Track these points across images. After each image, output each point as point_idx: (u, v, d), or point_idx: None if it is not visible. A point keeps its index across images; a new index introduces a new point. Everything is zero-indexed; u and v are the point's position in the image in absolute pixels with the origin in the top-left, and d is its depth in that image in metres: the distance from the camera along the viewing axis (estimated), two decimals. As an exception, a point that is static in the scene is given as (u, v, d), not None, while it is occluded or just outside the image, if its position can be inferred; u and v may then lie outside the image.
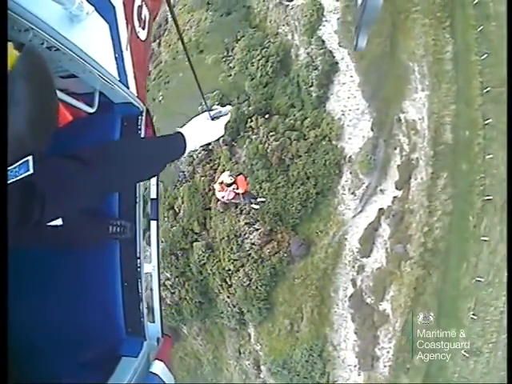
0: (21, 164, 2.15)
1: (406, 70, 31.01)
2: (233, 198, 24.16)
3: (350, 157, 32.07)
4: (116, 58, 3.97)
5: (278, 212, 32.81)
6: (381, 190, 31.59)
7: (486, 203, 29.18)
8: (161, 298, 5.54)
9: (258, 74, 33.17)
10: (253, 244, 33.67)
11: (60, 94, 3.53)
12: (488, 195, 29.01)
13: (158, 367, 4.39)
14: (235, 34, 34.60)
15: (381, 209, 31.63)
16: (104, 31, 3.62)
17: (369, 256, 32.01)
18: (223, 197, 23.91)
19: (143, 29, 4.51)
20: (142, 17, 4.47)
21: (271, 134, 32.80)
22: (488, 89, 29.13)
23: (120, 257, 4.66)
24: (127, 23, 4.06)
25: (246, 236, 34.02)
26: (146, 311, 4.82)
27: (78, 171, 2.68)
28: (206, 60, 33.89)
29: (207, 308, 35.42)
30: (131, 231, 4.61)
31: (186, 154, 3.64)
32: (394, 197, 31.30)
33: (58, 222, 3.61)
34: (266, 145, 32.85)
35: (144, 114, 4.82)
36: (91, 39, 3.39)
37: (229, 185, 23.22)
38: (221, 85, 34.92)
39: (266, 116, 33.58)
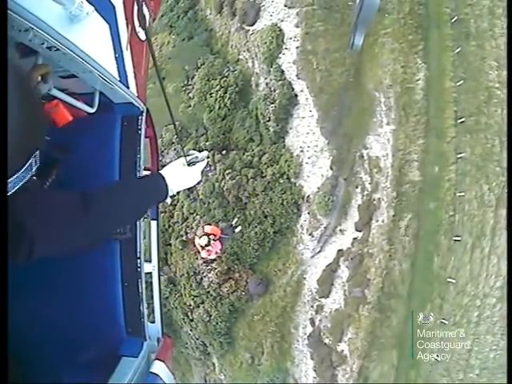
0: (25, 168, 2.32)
1: (372, 102, 30.43)
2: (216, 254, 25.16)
3: (309, 196, 32.11)
4: (116, 58, 4.08)
5: (234, 251, 33.16)
6: (340, 231, 31.63)
7: (453, 243, 29.27)
8: (161, 298, 5.71)
9: (217, 106, 33.18)
10: (211, 282, 34.19)
11: (60, 94, 3.78)
12: (457, 235, 29.09)
13: (158, 367, 4.51)
14: (196, 61, 34.60)
15: (340, 250, 31.72)
16: (104, 31, 3.71)
17: (327, 297, 32.23)
18: (208, 255, 24.82)
19: (143, 29, 4.53)
20: (142, 16, 4.48)
21: (228, 171, 32.93)
22: (463, 119, 28.83)
23: (120, 257, 4.79)
24: (127, 23, 4.20)
25: (205, 274, 34.46)
26: (146, 311, 4.94)
27: (72, 215, 2.79)
28: (167, 88, 33.46)
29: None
30: (131, 231, 4.73)
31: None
32: (354, 238, 31.36)
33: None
34: (223, 183, 32.97)
35: (144, 114, 4.98)
36: (91, 39, 3.48)
37: (206, 244, 23.83)
38: (181, 116, 34.81)
39: (224, 152, 33.80)
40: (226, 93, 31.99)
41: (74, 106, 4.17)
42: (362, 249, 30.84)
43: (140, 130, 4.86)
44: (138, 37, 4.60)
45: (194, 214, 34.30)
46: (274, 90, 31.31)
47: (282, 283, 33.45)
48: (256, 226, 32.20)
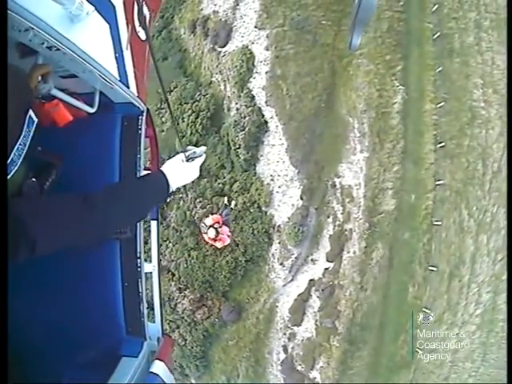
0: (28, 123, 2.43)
1: (345, 128, 29.88)
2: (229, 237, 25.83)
3: (279, 226, 32.08)
4: (116, 57, 4.13)
5: (207, 279, 33.32)
6: (312, 260, 31.63)
7: (429, 273, 29.09)
8: (161, 298, 5.78)
9: (188, 132, 32.92)
10: (185, 309, 34.20)
11: (60, 94, 3.87)
12: (432, 265, 28.92)
13: (158, 367, 4.55)
14: (169, 84, 34.12)
15: (311, 280, 31.74)
16: (104, 31, 3.79)
17: (300, 325, 32.25)
18: (223, 243, 25.95)
19: (143, 28, 4.69)
20: (143, 16, 4.71)
21: (198, 200, 32.96)
22: (442, 143, 28.43)
23: (120, 257, 4.87)
24: (127, 23, 4.30)
25: (179, 300, 34.31)
26: (146, 311, 5.01)
27: (74, 214, 2.83)
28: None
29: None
30: (131, 231, 4.82)
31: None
32: (325, 269, 31.33)
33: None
34: (194, 211, 33.04)
35: (144, 113, 5.05)
36: (91, 39, 3.54)
37: (216, 235, 24.52)
38: (154, 141, 34.37)
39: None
40: (197, 117, 31.75)
41: (74, 106, 4.23)
42: (333, 280, 30.82)
43: (140, 129, 4.92)
44: (138, 37, 4.69)
45: (167, 242, 34.22)
46: (244, 117, 31.01)
47: (254, 310, 33.49)
48: (227, 255, 32.33)
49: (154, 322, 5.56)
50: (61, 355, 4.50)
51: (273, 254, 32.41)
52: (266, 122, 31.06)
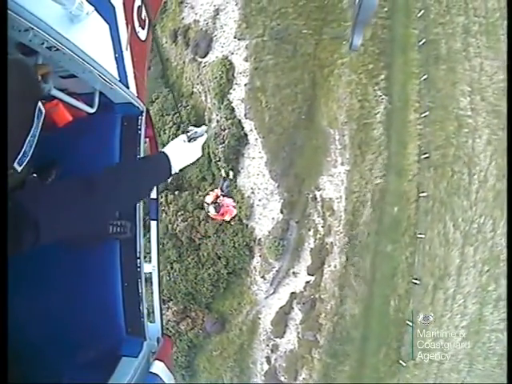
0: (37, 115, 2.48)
1: (326, 140, 29.53)
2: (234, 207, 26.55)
3: (260, 239, 32.19)
4: (116, 58, 4.17)
5: (189, 291, 33.50)
6: (294, 273, 31.71)
7: (413, 285, 28.83)
8: (161, 298, 5.81)
9: (170, 144, 32.68)
10: (168, 320, 34.23)
11: (60, 94, 3.89)
12: (415, 278, 28.65)
13: (158, 367, 4.60)
14: (151, 95, 33.87)
15: (293, 293, 31.83)
16: (104, 31, 3.82)
17: (282, 337, 32.38)
18: (231, 214, 26.39)
19: (143, 29, 4.79)
20: (142, 17, 4.77)
21: (180, 213, 33.07)
22: (427, 155, 27.95)
23: (120, 257, 4.91)
24: (127, 23, 4.33)
25: (163, 312, 34.06)
26: (145, 311, 5.05)
27: (76, 197, 2.83)
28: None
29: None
30: (131, 231, 4.87)
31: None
32: (307, 282, 31.37)
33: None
34: (175, 225, 33.09)
35: (144, 114, 5.09)
36: (91, 39, 3.57)
37: (217, 210, 24.75)
38: (137, 153, 34.25)
39: (176, 192, 33.73)
40: (178, 130, 31.48)
41: (74, 106, 4.27)
42: (314, 293, 30.84)
43: (140, 129, 4.96)
44: (138, 37, 4.75)
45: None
46: (224, 129, 30.92)
47: (237, 322, 33.70)
48: (209, 268, 32.60)
49: (153, 322, 5.63)
50: (61, 355, 4.51)
51: (254, 267, 32.52)
52: (246, 135, 30.71)
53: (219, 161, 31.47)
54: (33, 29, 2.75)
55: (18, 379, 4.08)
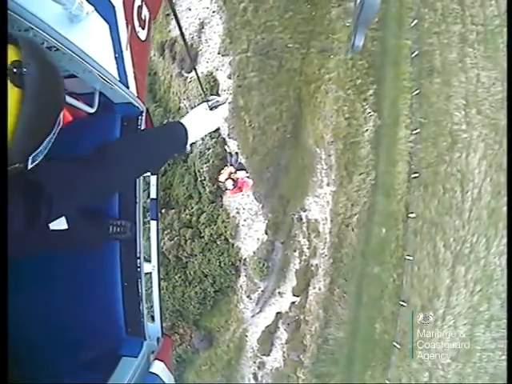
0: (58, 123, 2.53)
1: (312, 159, 28.92)
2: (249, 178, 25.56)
3: (245, 259, 32.09)
4: (116, 57, 4.18)
5: (177, 309, 33.48)
6: (279, 293, 31.64)
7: (400, 307, 28.51)
8: (161, 298, 5.89)
9: (156, 161, 32.46)
10: (157, 337, 33.99)
11: None
12: (403, 300, 28.31)
13: (157, 367, 4.68)
14: None
15: (279, 313, 31.75)
16: (104, 31, 3.84)
17: (268, 355, 32.36)
18: (247, 186, 25.47)
19: (143, 29, 4.83)
20: (142, 17, 4.80)
21: (166, 232, 32.91)
22: (416, 174, 27.24)
23: (120, 257, 4.98)
24: (127, 23, 4.37)
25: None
26: (145, 311, 5.13)
27: (82, 169, 2.92)
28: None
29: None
30: (131, 231, 4.93)
31: (188, 147, 3.88)
32: (292, 302, 31.23)
33: (64, 226, 3.96)
34: (162, 243, 32.66)
35: (144, 114, 5.15)
36: (91, 39, 3.60)
37: (234, 185, 24.57)
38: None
39: (163, 210, 33.55)
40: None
41: (74, 106, 4.34)
42: (299, 314, 30.73)
43: (140, 129, 5.01)
44: (138, 37, 4.79)
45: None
46: (209, 148, 30.80)
47: (225, 339, 33.71)
48: (196, 286, 32.72)
49: (153, 322, 5.69)
50: (61, 355, 4.59)
51: (241, 286, 32.52)
52: (231, 154, 30.21)
53: (204, 180, 31.48)
54: (33, 29, 2.77)
55: (18, 379, 4.20)
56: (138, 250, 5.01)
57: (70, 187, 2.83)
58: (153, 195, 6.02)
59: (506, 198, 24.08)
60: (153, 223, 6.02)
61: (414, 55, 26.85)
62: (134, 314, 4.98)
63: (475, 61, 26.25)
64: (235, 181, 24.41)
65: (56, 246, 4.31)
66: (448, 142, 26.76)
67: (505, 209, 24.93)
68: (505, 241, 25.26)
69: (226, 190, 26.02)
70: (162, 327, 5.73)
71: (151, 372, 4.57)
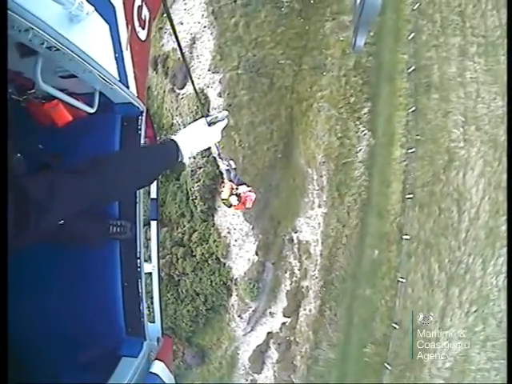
0: None
1: (304, 179, 29.03)
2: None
3: (236, 279, 32.29)
4: (116, 58, 4.19)
5: (170, 326, 33.38)
6: (270, 313, 31.89)
7: (392, 329, 28.32)
8: (161, 298, 5.91)
9: (150, 180, 32.52)
10: (150, 352, 34.11)
11: (60, 94, 3.98)
12: (395, 322, 28.09)
13: (157, 367, 4.69)
14: None
15: (270, 332, 31.97)
16: (104, 31, 3.84)
17: (260, 373, 32.52)
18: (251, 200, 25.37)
19: (143, 29, 4.83)
20: (142, 17, 4.80)
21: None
22: (411, 195, 26.97)
23: (120, 257, 5.00)
24: (127, 23, 4.37)
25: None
26: (146, 311, 5.12)
27: (74, 183, 2.88)
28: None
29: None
30: (131, 231, 4.95)
31: (186, 161, 3.89)
32: (283, 323, 31.40)
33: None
34: (154, 262, 32.85)
35: (144, 114, 5.16)
36: (91, 39, 3.60)
37: (238, 200, 24.37)
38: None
39: (156, 229, 33.55)
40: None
41: (74, 106, 4.32)
42: (290, 335, 30.90)
43: (140, 130, 5.01)
44: (138, 37, 4.79)
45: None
46: (200, 168, 31.04)
47: (217, 356, 33.95)
48: (188, 304, 33.01)
49: (153, 322, 5.73)
50: (61, 355, 4.61)
51: (232, 305, 32.73)
52: (222, 173, 29.37)
53: (196, 199, 31.67)
54: (33, 29, 2.78)
55: (18, 379, 4.18)
56: (138, 250, 5.02)
57: (60, 199, 2.75)
58: (153, 195, 6.08)
59: (505, 217, 24.32)
60: (153, 223, 6.10)
61: (410, 70, 26.60)
62: (134, 314, 4.99)
63: (475, 75, 25.93)
64: (239, 196, 24.27)
65: (51, 243, 4.15)
66: (445, 159, 26.47)
67: (504, 228, 24.67)
68: (502, 260, 25.01)
69: (231, 206, 25.72)
70: (162, 327, 5.77)
71: (151, 372, 4.58)
